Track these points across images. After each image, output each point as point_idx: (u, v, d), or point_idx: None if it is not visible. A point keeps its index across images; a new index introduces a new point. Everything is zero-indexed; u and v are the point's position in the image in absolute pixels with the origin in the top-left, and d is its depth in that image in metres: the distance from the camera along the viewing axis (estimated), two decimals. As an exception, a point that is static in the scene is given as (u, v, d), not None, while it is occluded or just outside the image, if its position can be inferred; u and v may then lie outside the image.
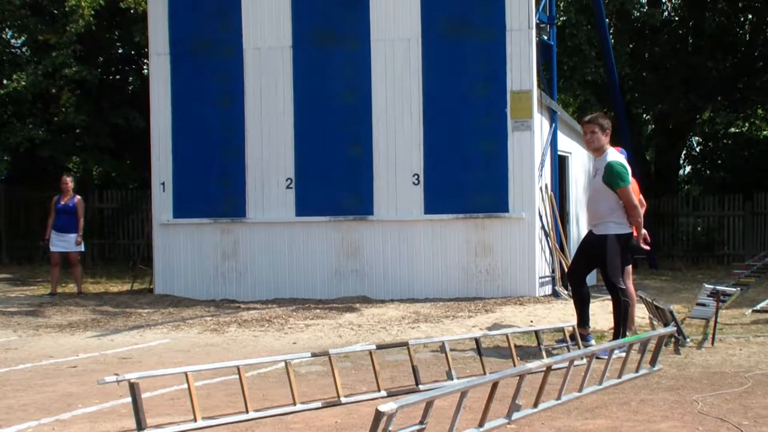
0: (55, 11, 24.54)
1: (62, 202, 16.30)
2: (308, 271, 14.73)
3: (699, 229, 25.88)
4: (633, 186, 9.00)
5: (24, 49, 27.37)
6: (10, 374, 8.71)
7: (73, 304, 14.52)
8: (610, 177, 8.76)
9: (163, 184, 15.52)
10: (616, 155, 8.91)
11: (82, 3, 22.32)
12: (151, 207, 15.95)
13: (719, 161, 30.52)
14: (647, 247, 8.99)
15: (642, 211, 9.04)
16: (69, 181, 16.52)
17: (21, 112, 24.85)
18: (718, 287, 10.28)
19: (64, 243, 16.20)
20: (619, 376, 7.46)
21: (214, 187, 15.15)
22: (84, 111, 23.95)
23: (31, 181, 25.23)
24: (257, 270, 15.05)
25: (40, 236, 18.09)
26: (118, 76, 27.96)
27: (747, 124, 31.35)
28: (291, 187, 14.75)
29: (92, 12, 22.62)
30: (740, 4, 28.44)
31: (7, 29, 26.58)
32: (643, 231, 8.97)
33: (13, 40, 27.42)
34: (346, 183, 14.53)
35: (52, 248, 16.26)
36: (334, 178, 14.50)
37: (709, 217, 25.60)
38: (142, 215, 24.78)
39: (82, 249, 16.67)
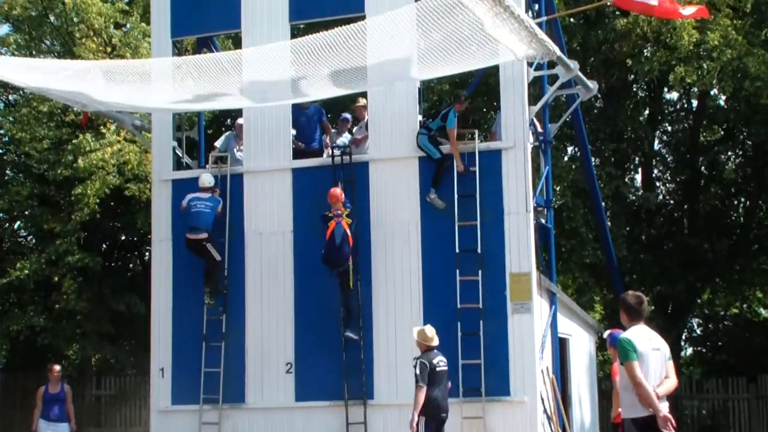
0: (61, 200, 25.00)
1: (51, 392, 16.13)
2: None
3: (704, 412, 25.52)
4: (659, 364, 8.56)
5: (29, 238, 27.74)
6: None
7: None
8: (618, 353, 8.65)
9: (162, 369, 15.41)
10: (629, 332, 8.66)
11: (88, 192, 22.77)
12: (150, 393, 15.77)
13: (720, 343, 30.38)
14: None
15: (665, 389, 8.52)
16: (57, 370, 16.41)
17: (23, 300, 24.97)
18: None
19: (58, 434, 15.98)
20: None
21: (209, 371, 14.98)
22: (85, 298, 24.04)
23: (30, 369, 25.02)
24: (257, 457, 14.76)
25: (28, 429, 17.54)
26: (119, 262, 28.21)
27: (745, 306, 31.36)
28: (291, 372, 14.62)
29: (97, 200, 23.05)
30: (733, 189, 29.02)
31: (13, 221, 27.06)
32: (664, 413, 8.27)
33: (21, 231, 27.86)
34: (346, 366, 14.38)
35: (45, 439, 15.98)
36: (333, 361, 14.38)
37: (714, 400, 25.28)
38: (140, 402, 24.42)
39: (76, 437, 16.42)
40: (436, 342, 12.25)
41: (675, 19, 20.43)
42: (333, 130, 16.35)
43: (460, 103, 14.91)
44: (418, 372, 11.91)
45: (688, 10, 16.66)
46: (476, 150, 14.36)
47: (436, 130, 14.54)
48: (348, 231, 14.03)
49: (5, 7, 25.18)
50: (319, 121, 15.93)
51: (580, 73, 14.74)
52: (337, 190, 14.34)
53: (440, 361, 12.12)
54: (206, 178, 15.08)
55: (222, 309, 15.08)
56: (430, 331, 12.28)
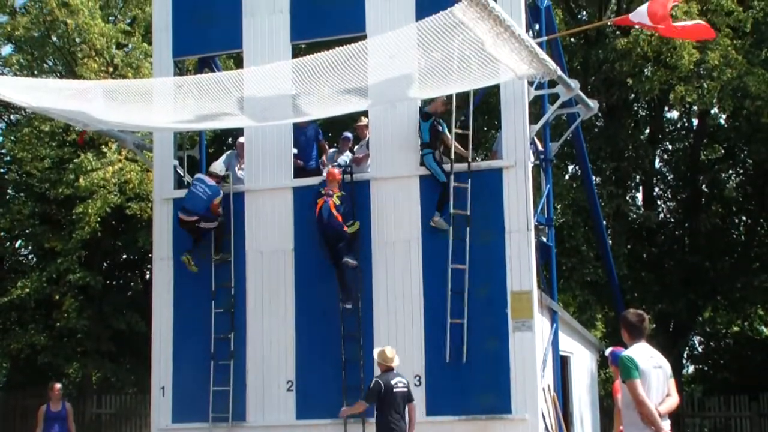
0: (62, 219, 25.06)
1: (53, 410, 16.10)
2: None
3: (706, 430, 25.49)
4: (661, 382, 8.59)
5: (30, 257, 27.80)
6: None
7: None
8: (621, 371, 8.64)
9: (163, 388, 15.38)
10: (631, 350, 8.68)
11: (89, 210, 22.81)
12: (150, 412, 15.74)
13: (721, 361, 30.36)
14: None
15: (667, 407, 8.53)
16: (58, 389, 16.39)
17: (23, 319, 25.00)
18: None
19: (58, 453, 15.95)
20: None
21: (215, 390, 14.96)
22: (86, 316, 24.06)
23: (30, 387, 25.02)
24: (258, 477, 14.72)
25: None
26: (121, 281, 28.24)
27: (746, 324, 31.36)
28: (292, 390, 14.61)
29: (98, 219, 23.08)
30: (733, 207, 29.08)
31: (14, 239, 27.14)
32: (666, 431, 8.45)
33: (22, 250, 27.94)
34: (347, 384, 14.37)
35: (47, 458, 15.96)
36: (334, 379, 14.37)
37: (715, 419, 25.24)
38: (140, 421, 24.42)
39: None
40: (395, 363, 12.36)
41: (678, 39, 20.50)
42: (332, 150, 16.41)
43: (436, 104, 14.71)
44: (368, 388, 12.24)
45: (689, 24, 16.67)
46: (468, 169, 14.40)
47: (429, 128, 14.45)
48: (334, 211, 14.13)
49: (8, 28, 25.33)
50: (316, 140, 16.00)
51: (580, 92, 14.77)
52: (336, 171, 14.52)
53: (398, 382, 12.21)
54: (217, 165, 15.29)
55: (230, 327, 15.07)
56: (389, 351, 12.40)
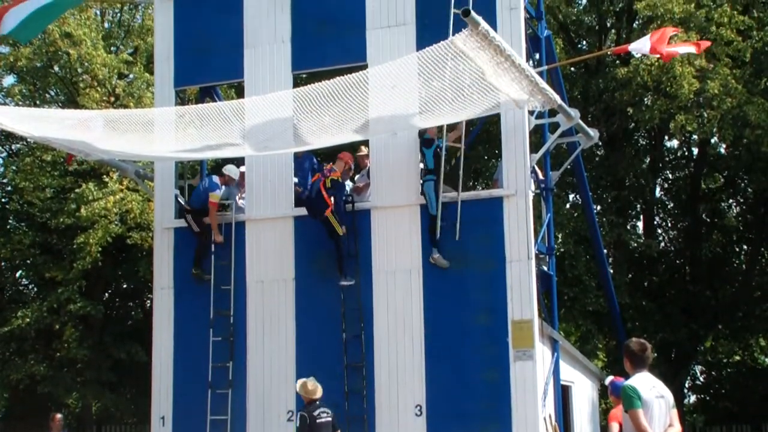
0: (63, 249, 25.05)
1: (53, 441, 16.07)
2: None
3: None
4: (663, 412, 8.55)
5: (30, 287, 27.79)
6: None
7: None
8: (623, 400, 8.61)
9: (162, 418, 15.31)
10: (633, 379, 8.64)
11: (90, 240, 22.81)
12: (150, 442, 15.69)
13: (723, 391, 30.24)
14: None
15: None
16: (59, 419, 16.33)
17: (23, 349, 24.93)
18: None
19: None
20: None
21: (212, 419, 14.89)
22: (86, 346, 24.00)
23: (29, 418, 24.91)
24: None
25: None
26: (121, 310, 28.21)
27: (747, 354, 31.26)
28: (292, 420, 14.55)
29: (99, 249, 23.08)
30: (734, 236, 29.08)
31: (15, 269, 27.14)
32: None
33: (22, 279, 27.94)
34: (349, 415, 14.30)
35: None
36: (336, 410, 14.29)
37: (719, 449, 25.14)
38: (140, 452, 24.32)
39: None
40: (318, 394, 12.66)
41: (677, 57, 20.53)
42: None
43: (429, 131, 14.70)
44: (297, 425, 12.52)
45: (683, 48, 16.72)
46: (458, 200, 14.38)
47: (433, 155, 14.42)
48: (324, 191, 14.27)
49: (10, 59, 25.45)
50: (311, 169, 16.01)
51: (581, 122, 14.79)
52: (348, 154, 14.86)
53: (322, 413, 12.59)
54: (228, 168, 15.70)
55: (229, 355, 15.04)
56: (311, 384, 12.70)
